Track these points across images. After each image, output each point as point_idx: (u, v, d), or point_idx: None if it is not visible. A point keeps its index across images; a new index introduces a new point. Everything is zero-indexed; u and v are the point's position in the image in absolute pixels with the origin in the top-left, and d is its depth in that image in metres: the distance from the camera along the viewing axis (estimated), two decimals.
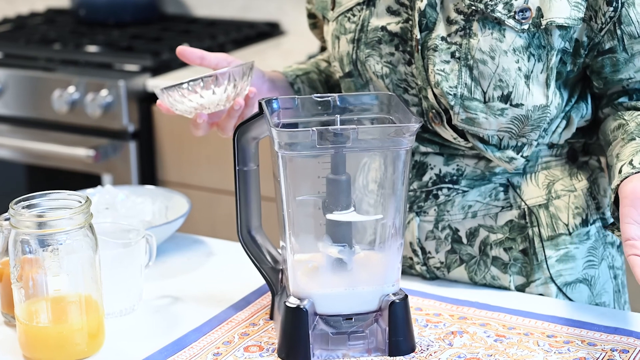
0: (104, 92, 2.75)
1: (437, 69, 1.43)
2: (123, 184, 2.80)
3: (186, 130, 2.76)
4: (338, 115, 1.34)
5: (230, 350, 1.33)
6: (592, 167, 1.57)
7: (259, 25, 3.29)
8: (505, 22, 1.41)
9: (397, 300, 1.29)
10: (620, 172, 1.34)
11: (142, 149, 2.82)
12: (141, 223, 1.63)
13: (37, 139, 2.87)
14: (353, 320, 1.30)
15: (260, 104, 1.36)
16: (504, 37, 1.41)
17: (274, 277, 1.41)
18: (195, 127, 1.53)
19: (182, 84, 1.46)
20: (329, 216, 1.31)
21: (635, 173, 1.32)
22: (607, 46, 1.44)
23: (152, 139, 2.83)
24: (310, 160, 1.30)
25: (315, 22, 1.70)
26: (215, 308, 1.45)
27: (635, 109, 1.48)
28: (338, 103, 1.38)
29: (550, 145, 1.52)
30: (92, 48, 2.99)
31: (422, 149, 1.51)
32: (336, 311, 1.30)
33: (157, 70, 2.83)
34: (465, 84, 1.43)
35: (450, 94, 1.43)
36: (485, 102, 1.43)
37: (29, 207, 1.31)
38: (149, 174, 2.85)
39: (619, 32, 1.43)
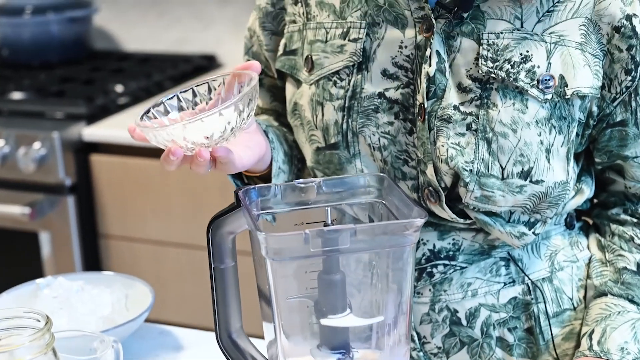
0: (36, 145, 2.56)
1: (451, 143, 1.28)
2: (62, 241, 2.63)
3: (128, 181, 2.60)
4: (328, 209, 1.18)
5: None
6: (587, 233, 1.45)
7: (194, 59, 3.13)
8: (529, 91, 1.27)
9: None
10: (579, 345, 1.34)
11: (81, 203, 2.63)
12: (101, 320, 1.46)
13: None
14: None
15: (236, 195, 1.21)
16: (527, 107, 1.27)
17: None
18: (168, 162, 1.18)
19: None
20: (324, 321, 1.17)
21: (590, 357, 1.29)
22: (619, 118, 1.32)
23: (91, 192, 2.65)
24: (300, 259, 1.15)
25: (261, 79, 1.48)
26: None
27: (620, 223, 1.40)
28: (323, 188, 1.23)
29: None
30: (18, 95, 2.79)
31: None
32: None
33: (92, 117, 2.65)
34: (482, 159, 1.28)
35: (466, 170, 1.28)
36: (503, 178, 1.28)
37: None
38: (89, 229, 2.67)
39: (633, 104, 1.31)
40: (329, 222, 1.18)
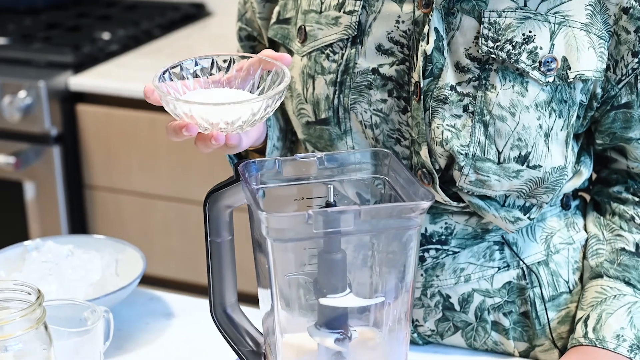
0: (22, 94, 2.51)
1: (447, 125, 1.24)
2: (47, 191, 2.59)
3: (114, 132, 2.55)
4: (331, 186, 1.15)
5: None
6: (584, 213, 1.42)
7: (183, 7, 3.06)
8: (530, 73, 1.22)
9: None
10: (574, 331, 1.31)
11: (66, 154, 2.59)
12: (91, 286, 1.44)
13: None
14: None
15: (236, 169, 1.17)
16: (527, 90, 1.23)
17: None
18: (177, 134, 1.13)
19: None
20: (323, 301, 1.14)
21: (585, 345, 1.27)
22: (624, 100, 1.28)
23: (77, 142, 2.61)
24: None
25: (255, 46, 1.45)
26: None
27: (621, 201, 1.36)
28: (325, 163, 1.20)
29: None
30: (2, 40, 2.73)
31: None
32: None
33: (79, 66, 2.60)
34: (479, 142, 1.24)
35: (462, 154, 1.24)
36: (499, 163, 1.24)
37: None
38: (74, 180, 2.63)
39: (639, 86, 1.27)
40: (331, 199, 1.14)
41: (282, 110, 1.41)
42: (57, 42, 2.71)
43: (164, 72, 1.14)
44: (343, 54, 1.29)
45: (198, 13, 3.06)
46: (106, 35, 2.73)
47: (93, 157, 2.61)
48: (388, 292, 1.14)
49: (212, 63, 1.18)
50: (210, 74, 1.17)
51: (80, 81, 2.55)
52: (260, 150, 1.34)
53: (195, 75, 1.17)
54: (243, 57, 1.17)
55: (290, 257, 1.12)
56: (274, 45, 1.40)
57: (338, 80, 1.29)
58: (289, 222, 1.08)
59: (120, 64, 2.64)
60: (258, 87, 1.16)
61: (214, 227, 1.21)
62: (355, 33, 1.28)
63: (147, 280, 2.60)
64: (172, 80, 1.15)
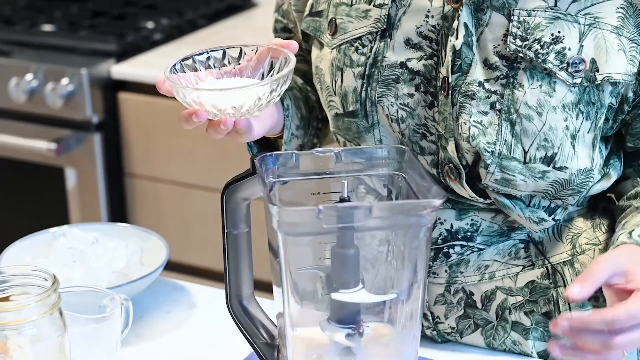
0: (65, 81, 2.53)
1: (474, 121, 1.24)
2: (87, 178, 2.62)
3: (155, 121, 2.57)
4: (345, 181, 1.15)
5: None
6: (611, 214, 1.40)
7: None
8: (557, 74, 1.22)
9: None
10: (617, 238, 1.24)
11: (107, 141, 2.61)
12: (114, 274, 1.45)
13: None
14: None
15: (252, 162, 1.18)
16: (554, 91, 1.22)
17: (268, 354, 1.24)
18: (188, 121, 1.16)
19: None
20: (334, 295, 1.14)
21: (629, 244, 1.21)
22: None
23: (117, 130, 2.63)
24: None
25: (291, 37, 1.46)
26: None
27: None
28: (342, 158, 1.20)
29: None
30: (49, 27, 2.76)
31: None
32: None
33: (122, 54, 2.62)
34: (505, 140, 1.23)
35: (488, 151, 1.24)
36: (525, 162, 1.24)
37: None
38: (115, 168, 2.65)
39: None
40: (345, 195, 1.15)
41: (305, 98, 1.42)
42: (102, 31, 2.73)
43: (175, 64, 1.17)
44: (372, 47, 1.29)
45: (243, 4, 3.07)
46: (150, 25, 2.75)
47: (133, 146, 2.63)
48: (400, 288, 1.14)
49: (224, 54, 1.20)
50: (223, 65, 1.19)
51: (123, 69, 2.57)
52: (277, 140, 1.36)
53: (208, 67, 1.19)
54: (253, 48, 1.20)
55: (301, 252, 1.12)
56: (307, 38, 1.40)
57: (366, 73, 1.29)
58: (300, 217, 1.08)
59: (163, 53, 2.65)
60: (269, 75, 1.19)
61: (231, 219, 1.22)
62: (385, 26, 1.29)
63: (184, 269, 2.63)
64: (184, 72, 1.17)
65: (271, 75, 1.18)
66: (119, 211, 2.70)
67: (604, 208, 1.40)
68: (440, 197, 1.07)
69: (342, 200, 1.14)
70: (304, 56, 1.48)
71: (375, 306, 1.17)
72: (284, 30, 1.48)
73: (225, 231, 1.22)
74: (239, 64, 1.20)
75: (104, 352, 1.26)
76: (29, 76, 2.57)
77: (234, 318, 1.25)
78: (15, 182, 2.75)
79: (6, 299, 1.16)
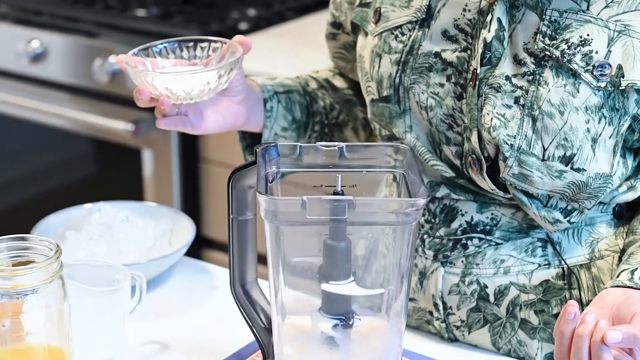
0: None
1: (497, 112, 1.26)
2: (163, 161, 2.69)
3: None
4: (339, 175, 1.17)
5: None
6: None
7: None
8: (582, 75, 1.23)
9: None
10: (618, 276, 1.23)
11: None
12: (139, 253, 1.50)
13: (75, 107, 2.75)
14: None
15: (255, 152, 1.21)
16: (578, 91, 1.24)
17: (266, 338, 1.27)
18: (136, 99, 1.30)
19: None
20: (324, 286, 1.17)
21: (627, 287, 1.21)
22: None
23: None
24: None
25: (337, 34, 1.52)
26: None
27: None
28: (345, 153, 1.22)
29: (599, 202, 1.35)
30: (140, 12, 2.85)
31: (454, 196, 1.34)
32: None
33: None
34: (526, 135, 1.25)
35: (507, 144, 1.26)
36: (543, 159, 1.26)
37: None
38: (190, 152, 2.72)
39: None
40: (339, 189, 1.17)
41: (309, 102, 1.49)
42: (188, 19, 2.80)
43: (144, 49, 1.32)
44: (410, 36, 1.34)
45: None
46: (236, 14, 2.80)
47: None
48: (387, 283, 1.16)
49: (195, 47, 1.34)
50: (194, 56, 1.32)
51: None
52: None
53: (164, 56, 1.34)
54: (204, 41, 1.34)
55: (289, 241, 1.15)
56: (356, 30, 1.45)
57: (402, 59, 1.34)
58: (285, 206, 1.11)
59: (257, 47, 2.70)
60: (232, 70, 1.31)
61: (236, 205, 1.25)
62: (424, 16, 1.33)
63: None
64: (152, 56, 1.33)
65: (219, 63, 1.29)
66: (192, 195, 2.77)
67: (630, 217, 1.39)
68: (424, 197, 1.09)
69: (335, 194, 1.17)
70: (342, 53, 1.52)
71: (364, 300, 1.19)
72: (333, 25, 1.53)
73: (231, 217, 1.26)
74: (195, 54, 1.34)
75: (113, 324, 1.31)
76: (112, 58, 2.65)
77: (236, 302, 1.29)
78: (96, 159, 2.84)
79: (25, 263, 1.22)
